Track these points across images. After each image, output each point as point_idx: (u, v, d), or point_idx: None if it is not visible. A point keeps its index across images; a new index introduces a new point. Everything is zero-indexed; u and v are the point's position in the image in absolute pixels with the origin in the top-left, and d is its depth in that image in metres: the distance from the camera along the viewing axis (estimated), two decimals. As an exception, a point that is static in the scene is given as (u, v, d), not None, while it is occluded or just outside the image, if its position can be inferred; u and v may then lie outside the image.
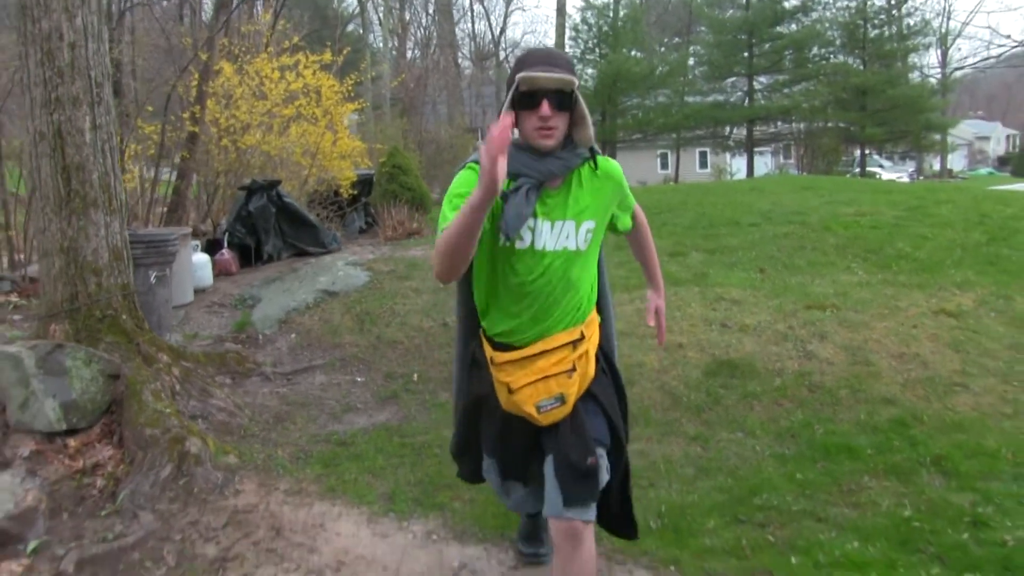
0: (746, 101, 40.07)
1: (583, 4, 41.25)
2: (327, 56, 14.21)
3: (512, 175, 2.73)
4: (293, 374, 7.03)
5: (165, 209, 12.69)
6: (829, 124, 39.01)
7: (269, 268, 10.91)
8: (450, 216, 2.64)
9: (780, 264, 9.35)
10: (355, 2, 52.24)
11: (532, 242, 2.84)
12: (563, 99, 2.72)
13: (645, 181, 36.80)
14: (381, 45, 48.56)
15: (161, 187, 12.67)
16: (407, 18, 57.33)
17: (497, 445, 3.17)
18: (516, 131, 2.76)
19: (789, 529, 4.33)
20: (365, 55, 33.61)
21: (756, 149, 43.30)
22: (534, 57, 2.77)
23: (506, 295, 2.91)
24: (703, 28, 44.92)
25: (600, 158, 2.94)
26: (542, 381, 2.87)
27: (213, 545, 4.33)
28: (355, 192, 14.82)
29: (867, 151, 42.20)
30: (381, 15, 50.83)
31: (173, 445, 5.01)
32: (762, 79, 41.07)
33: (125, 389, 5.43)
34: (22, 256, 10.93)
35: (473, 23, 57.76)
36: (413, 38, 58.44)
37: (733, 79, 41.64)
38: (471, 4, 56.02)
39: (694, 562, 4.02)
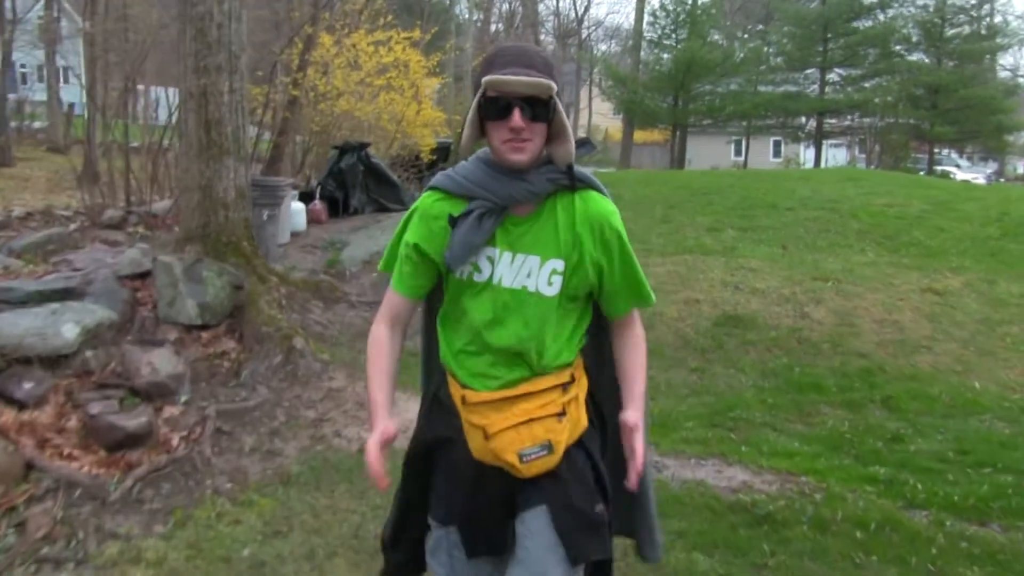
0: (818, 93, 40.72)
1: (663, -10, 42.18)
2: (416, 33, 15.68)
3: (465, 196, 2.32)
4: (373, 303, 8.47)
5: (263, 162, 14.24)
6: (899, 120, 39.47)
7: (355, 219, 12.40)
8: (392, 264, 2.46)
9: (802, 243, 10.62)
10: (442, -28, 53.51)
11: (491, 275, 2.33)
12: (539, 107, 2.20)
13: (717, 166, 37.68)
14: (466, 16, 50.03)
15: (260, 143, 14.23)
16: (494, -7, 58.82)
17: (461, 507, 2.41)
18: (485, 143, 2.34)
19: (749, 433, 5.68)
20: (450, 27, 34.98)
21: (832, 142, 43.94)
22: (505, 56, 2.26)
23: (467, 336, 2.39)
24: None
25: (584, 193, 2.37)
26: (525, 425, 2.31)
27: (312, 411, 5.80)
28: (433, 158, 16.27)
29: (945, 150, 42.57)
30: (468, -12, 52.25)
31: (283, 341, 6.49)
32: (836, 72, 41.66)
33: (245, 297, 6.92)
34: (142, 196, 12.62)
35: (557, 1, 58.75)
36: (498, 11, 59.81)
37: (807, 71, 42.24)
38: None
39: (670, 445, 5.38)
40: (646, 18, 43.64)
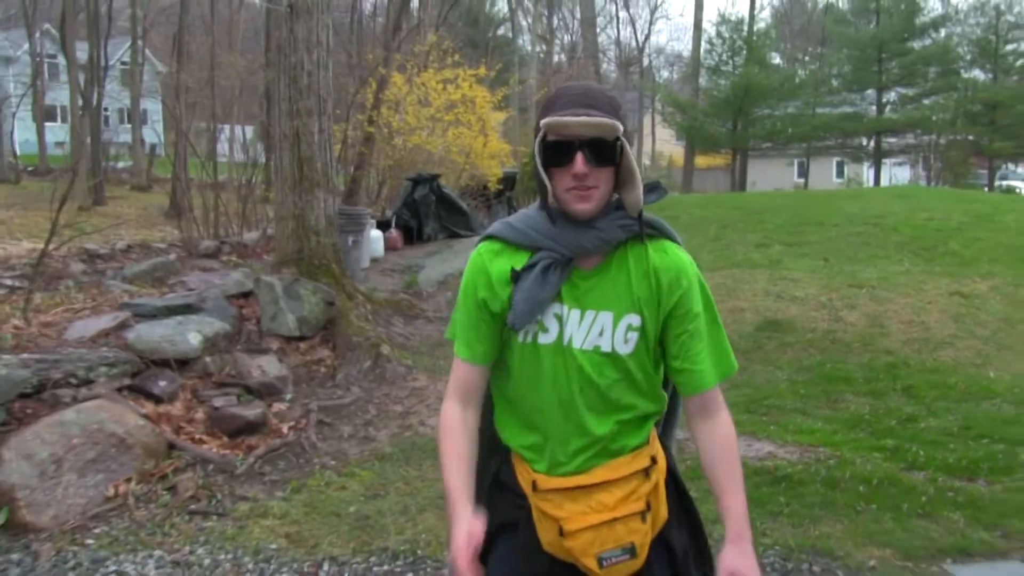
0: (875, 113, 41.11)
1: (718, 19, 43.02)
2: (482, 70, 16.76)
3: (529, 247, 2.12)
4: (448, 318, 9.42)
5: (341, 194, 15.35)
6: (958, 137, 39.71)
7: (428, 245, 13.43)
8: (456, 330, 2.22)
9: (843, 256, 11.34)
10: (505, 7, 54.76)
11: (559, 335, 2.11)
12: (604, 150, 2.01)
13: (780, 188, 38.20)
14: (529, 49, 51.26)
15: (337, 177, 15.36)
16: (555, 24, 59.99)
17: None
18: (548, 190, 2.08)
19: (779, 416, 6.46)
20: (513, 59, 36.12)
21: (894, 160, 44.18)
22: (566, 97, 2.08)
23: (526, 407, 2.18)
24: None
25: (657, 242, 2.15)
26: (607, 525, 2.09)
27: (399, 405, 6.71)
28: (500, 187, 17.31)
29: (1006, 165, 42.66)
30: (530, 21, 53.56)
31: (371, 348, 7.44)
32: (894, 92, 42.02)
33: (337, 312, 7.88)
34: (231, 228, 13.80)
35: (619, 29, 60.03)
36: (560, 43, 61.00)
37: (864, 92, 42.65)
38: (616, 11, 57.94)
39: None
40: (703, 45, 44.41)
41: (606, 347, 2.08)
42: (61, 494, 4.62)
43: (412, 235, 13.94)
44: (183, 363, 6.28)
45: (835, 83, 43.73)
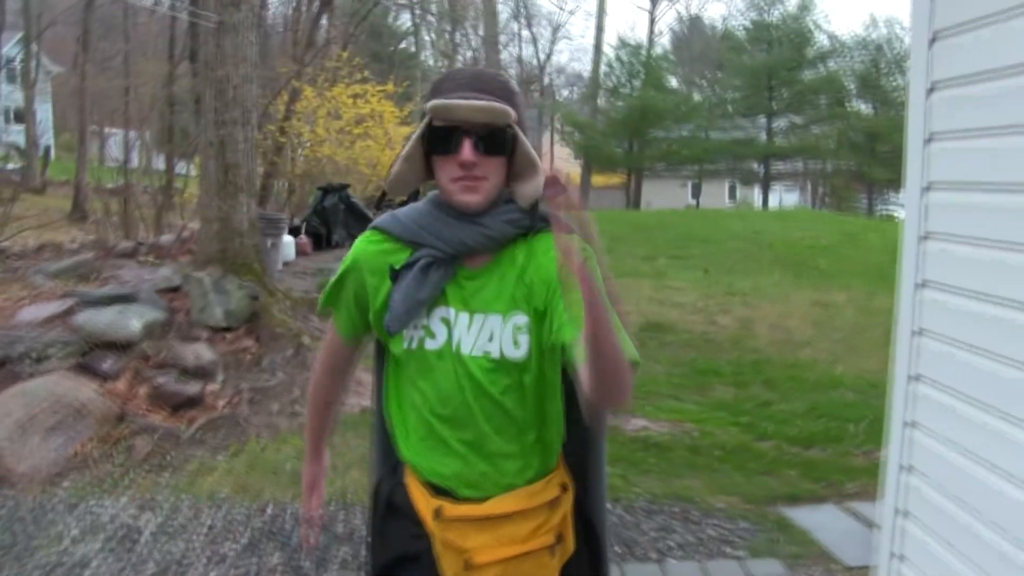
0: (765, 138, 43.14)
1: (618, 43, 44.67)
2: (390, 86, 17.56)
3: (410, 242, 1.96)
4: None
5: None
6: (842, 164, 41.95)
7: (336, 251, 14.16)
8: (333, 301, 2.07)
9: (723, 268, 12.49)
10: (409, 22, 55.39)
11: (447, 341, 1.93)
12: (495, 138, 1.83)
13: (674, 208, 39.75)
14: (431, 64, 52.07)
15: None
16: (457, 40, 60.92)
17: None
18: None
19: (655, 400, 7.42)
20: (416, 73, 36.85)
21: (784, 184, 46.31)
22: (455, 80, 1.90)
23: (418, 421, 1.99)
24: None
25: (547, 234, 1.91)
26: (516, 560, 1.95)
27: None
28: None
29: (884, 193, 45.14)
30: (433, 36, 54.37)
31: (293, 338, 8.17)
32: (785, 119, 44.12)
33: (260, 307, 8.59)
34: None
35: (520, 48, 60.92)
36: (462, 59, 61.90)
37: (755, 117, 44.67)
38: (519, 30, 59.08)
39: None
40: (603, 68, 45.95)
41: (495, 352, 1.90)
42: (30, 451, 5.30)
43: (321, 241, 14.65)
44: (125, 347, 6.92)
45: (729, 108, 45.68)
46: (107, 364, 6.59)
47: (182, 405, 6.52)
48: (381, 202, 2.26)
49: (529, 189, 1.90)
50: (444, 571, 1.95)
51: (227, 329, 8.27)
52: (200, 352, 7.42)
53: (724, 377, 8.17)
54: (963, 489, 2.65)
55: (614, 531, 4.72)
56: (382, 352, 2.12)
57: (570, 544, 2.05)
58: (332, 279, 2.08)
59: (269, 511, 4.94)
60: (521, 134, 1.87)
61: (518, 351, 1.91)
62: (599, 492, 2.17)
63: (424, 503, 1.98)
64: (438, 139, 1.85)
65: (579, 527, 2.09)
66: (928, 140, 2.94)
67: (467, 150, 1.81)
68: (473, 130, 1.81)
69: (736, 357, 8.76)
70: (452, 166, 1.85)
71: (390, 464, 2.13)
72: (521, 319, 1.90)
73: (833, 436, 6.30)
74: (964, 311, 2.68)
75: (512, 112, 1.82)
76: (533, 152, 1.89)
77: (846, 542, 4.63)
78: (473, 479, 1.95)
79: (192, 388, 6.68)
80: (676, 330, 9.48)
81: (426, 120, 1.86)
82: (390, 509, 2.08)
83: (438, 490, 1.98)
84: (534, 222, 1.93)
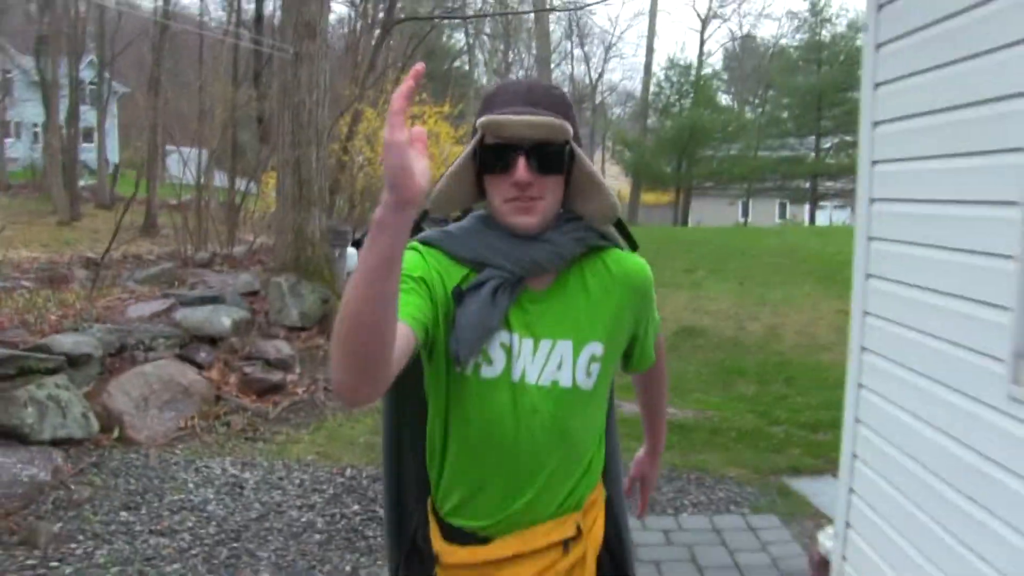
0: (813, 157, 43.64)
1: (667, 63, 45.57)
2: (446, 107, 18.57)
3: (473, 262, 1.77)
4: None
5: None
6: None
7: (396, 262, 15.17)
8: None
9: (757, 280, 13.28)
10: (463, 40, 56.43)
11: (507, 369, 1.75)
12: (551, 155, 1.68)
13: (722, 225, 40.49)
14: (484, 82, 53.08)
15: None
16: (510, 59, 61.88)
17: None
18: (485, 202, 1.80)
19: (684, 394, 8.27)
20: (469, 92, 37.91)
21: (833, 202, 46.71)
22: (507, 93, 1.75)
23: (464, 452, 1.82)
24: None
25: (612, 252, 1.87)
26: None
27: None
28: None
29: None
30: (487, 55, 55.43)
31: (361, 337, 9.13)
32: (833, 138, 44.59)
33: (331, 308, 9.58)
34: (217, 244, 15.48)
35: (573, 66, 61.83)
36: (515, 78, 62.64)
37: (805, 137, 45.18)
38: (572, 48, 59.96)
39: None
40: (652, 87, 46.77)
41: (565, 381, 1.77)
42: (149, 421, 6.30)
43: (381, 254, 15.70)
44: (216, 340, 7.93)
45: (782, 127, 46.18)
46: (202, 355, 7.59)
47: (267, 391, 7.50)
48: (422, 221, 1.98)
49: (600, 208, 1.80)
50: None
51: (302, 328, 9.28)
52: (280, 347, 8.41)
53: (748, 375, 8.99)
54: (902, 438, 3.48)
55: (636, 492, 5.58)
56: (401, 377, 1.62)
57: None
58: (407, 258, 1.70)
59: (348, 472, 5.87)
60: (579, 150, 1.74)
61: (589, 380, 1.80)
62: (617, 489, 2.12)
63: (436, 546, 1.89)
64: (490, 157, 1.70)
65: (607, 567, 1.99)
66: (871, 202, 3.80)
67: (521, 169, 1.66)
68: (528, 147, 1.66)
69: (762, 359, 9.58)
70: (505, 186, 1.69)
71: (410, 502, 2.04)
72: (598, 349, 1.80)
73: (840, 423, 7.09)
74: (900, 296, 3.53)
75: (569, 127, 1.67)
76: (594, 168, 1.76)
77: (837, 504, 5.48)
78: (515, 513, 1.80)
79: (275, 376, 7.67)
80: (708, 335, 10.32)
81: (477, 137, 1.72)
82: (413, 550, 1.99)
83: (451, 530, 1.87)
84: (603, 239, 1.86)
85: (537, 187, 1.69)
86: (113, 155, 37.87)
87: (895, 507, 3.47)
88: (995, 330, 2.75)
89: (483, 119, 1.67)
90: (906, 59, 3.45)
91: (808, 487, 5.77)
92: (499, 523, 1.81)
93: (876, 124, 3.78)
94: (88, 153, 36.16)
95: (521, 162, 1.66)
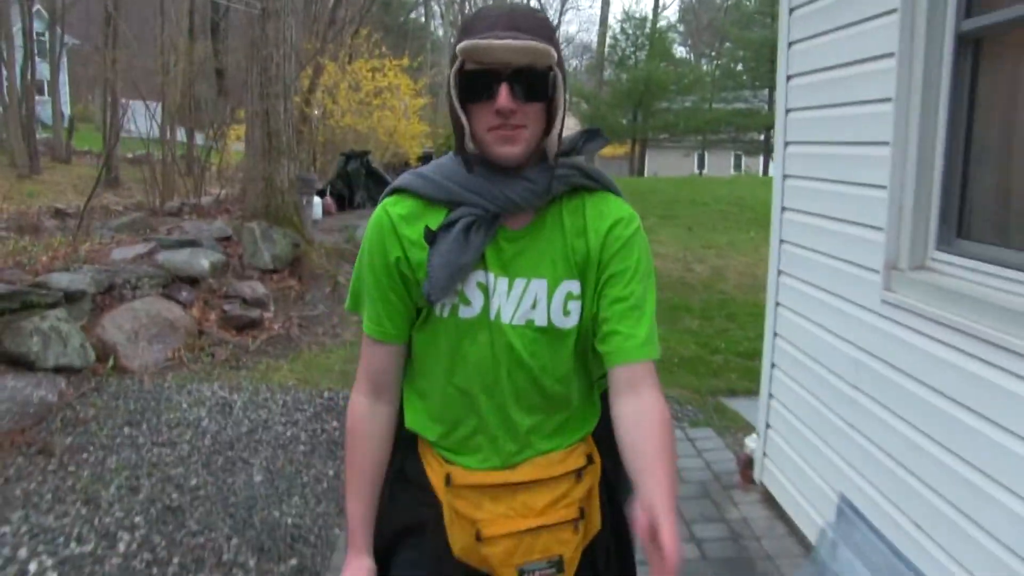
0: (767, 109, 44.40)
1: (623, 16, 45.99)
2: (405, 60, 19.08)
3: (446, 202, 1.73)
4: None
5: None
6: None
7: (358, 211, 15.71)
8: (361, 302, 1.86)
9: (705, 226, 13.98)
10: (419, -8, 56.24)
11: (484, 308, 1.73)
12: (535, 82, 1.60)
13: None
14: (441, 35, 53.26)
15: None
16: (467, 10, 61.85)
17: None
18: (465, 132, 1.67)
19: (634, 328, 8.90)
20: (426, 44, 38.17)
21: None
22: (488, 18, 1.62)
23: (443, 395, 1.82)
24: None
25: (599, 195, 1.80)
26: (532, 533, 1.76)
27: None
28: (419, 163, 19.67)
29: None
30: (443, 7, 55.48)
31: (330, 278, 9.71)
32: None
33: (301, 252, 10.12)
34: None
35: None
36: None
37: (760, 90, 45.89)
38: (527, 0, 59.91)
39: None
40: (608, 40, 47.21)
41: (541, 320, 1.73)
42: (140, 352, 6.84)
43: (344, 203, 16.22)
44: (195, 281, 8.45)
45: (735, 80, 46.84)
46: (184, 294, 8.11)
47: (245, 326, 8.05)
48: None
49: (549, 138, 1.70)
50: (453, 543, 1.80)
51: (274, 271, 9.81)
52: (255, 287, 8.94)
53: (693, 312, 9.66)
54: (809, 345, 4.13)
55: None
56: None
57: (595, 522, 1.86)
58: (353, 275, 1.87)
59: (326, 395, 6.47)
60: (561, 77, 1.66)
61: (568, 320, 1.74)
62: (615, 460, 1.78)
63: (435, 470, 1.85)
64: (471, 85, 1.61)
65: (606, 508, 1.91)
66: (786, 145, 4.42)
67: (504, 96, 1.57)
68: (511, 73, 1.58)
69: (706, 297, 10.25)
70: (487, 114, 1.61)
71: (401, 436, 1.92)
72: (574, 286, 1.74)
73: (771, 350, 7.82)
74: (807, 224, 4.16)
75: (553, 52, 1.60)
76: (565, 100, 1.70)
77: (763, 415, 6.16)
78: (492, 451, 1.81)
79: (253, 313, 8.22)
80: (657, 275, 10.86)
81: (457, 64, 1.61)
82: (400, 478, 1.92)
83: (452, 459, 1.84)
84: (588, 179, 1.79)
85: (520, 115, 1.61)
86: (66, 109, 37.67)
87: (807, 408, 4.13)
88: (872, 247, 3.38)
89: (463, 44, 1.56)
90: (813, 22, 4.06)
91: (742, 405, 6.43)
92: (497, 458, 1.81)
93: (790, 78, 4.38)
94: (41, 107, 35.94)
95: (504, 89, 1.57)
